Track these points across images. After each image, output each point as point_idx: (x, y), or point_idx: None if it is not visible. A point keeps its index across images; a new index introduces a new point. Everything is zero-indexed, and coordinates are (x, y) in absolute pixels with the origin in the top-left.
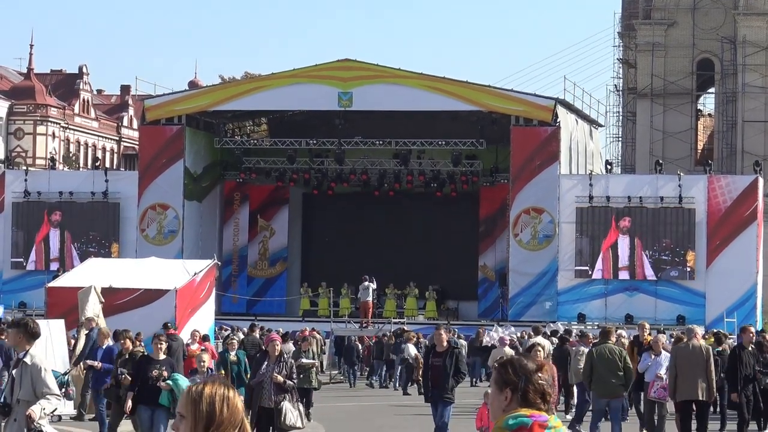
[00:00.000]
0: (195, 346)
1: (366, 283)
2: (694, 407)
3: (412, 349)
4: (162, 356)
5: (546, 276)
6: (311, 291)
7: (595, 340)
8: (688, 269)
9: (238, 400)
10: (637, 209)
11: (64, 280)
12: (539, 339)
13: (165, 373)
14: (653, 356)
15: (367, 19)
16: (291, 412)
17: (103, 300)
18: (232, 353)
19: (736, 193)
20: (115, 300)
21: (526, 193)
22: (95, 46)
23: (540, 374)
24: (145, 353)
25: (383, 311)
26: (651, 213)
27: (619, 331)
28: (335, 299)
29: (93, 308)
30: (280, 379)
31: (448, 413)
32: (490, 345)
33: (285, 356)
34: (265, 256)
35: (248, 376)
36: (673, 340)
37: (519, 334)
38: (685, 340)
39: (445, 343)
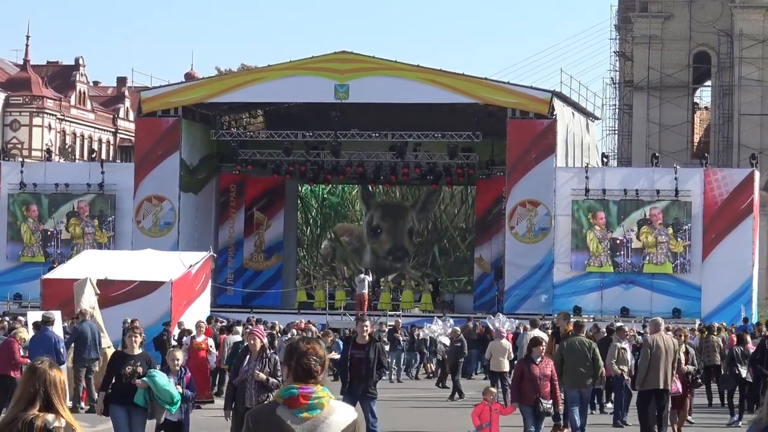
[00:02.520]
0: (201, 338)
1: (362, 275)
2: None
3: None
4: (137, 351)
5: (542, 269)
6: (307, 283)
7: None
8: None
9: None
10: (633, 202)
11: (60, 272)
12: (536, 331)
13: (140, 370)
14: None
15: (364, 12)
16: None
17: (99, 292)
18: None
19: (732, 186)
20: (111, 292)
21: (522, 186)
22: (92, 37)
23: (308, 356)
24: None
25: (378, 304)
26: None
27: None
28: (331, 291)
29: (89, 300)
30: (263, 376)
31: (374, 409)
32: (434, 337)
33: (268, 352)
34: (261, 249)
35: None
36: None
37: (515, 325)
38: (649, 333)
39: (367, 336)
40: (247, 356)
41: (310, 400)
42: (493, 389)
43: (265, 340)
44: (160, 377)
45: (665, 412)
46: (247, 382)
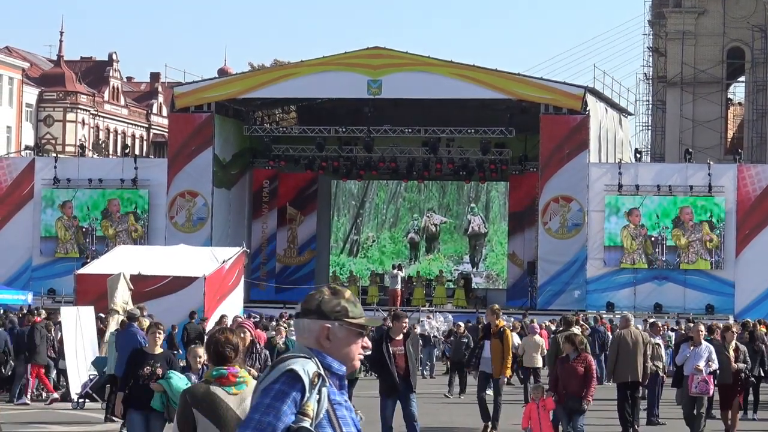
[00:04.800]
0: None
1: (395, 271)
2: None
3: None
4: (158, 350)
5: (575, 265)
6: (340, 279)
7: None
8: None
9: None
10: (667, 198)
11: (94, 267)
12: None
13: (159, 371)
14: (692, 347)
15: (397, 7)
16: None
17: (132, 287)
18: (281, 340)
19: (766, 182)
20: (144, 287)
21: (555, 182)
22: (125, 33)
23: (222, 345)
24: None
25: (412, 299)
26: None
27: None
28: (363, 287)
29: (122, 295)
30: (254, 373)
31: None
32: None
33: (257, 346)
34: (294, 244)
35: None
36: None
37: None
38: (620, 328)
39: (402, 332)
40: None
41: (238, 378)
42: (542, 385)
43: (258, 334)
44: (177, 379)
45: (638, 403)
46: None
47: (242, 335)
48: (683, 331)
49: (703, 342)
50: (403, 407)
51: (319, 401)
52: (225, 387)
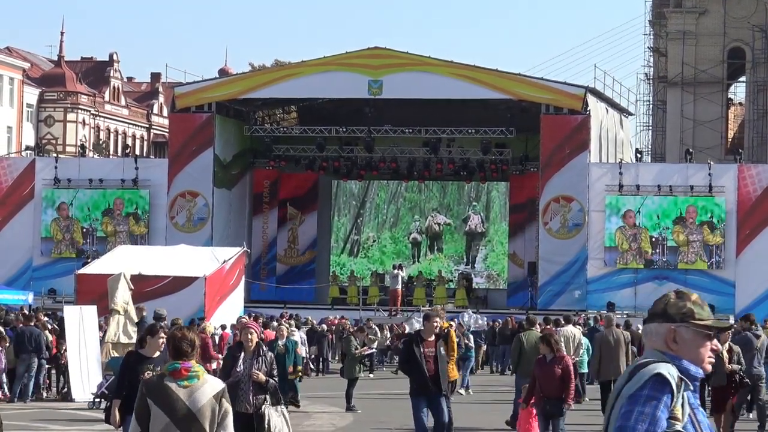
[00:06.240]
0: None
1: (395, 271)
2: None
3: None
4: (157, 353)
5: (575, 265)
6: (340, 279)
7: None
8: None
9: None
10: (668, 198)
11: (94, 267)
12: (569, 327)
13: None
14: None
15: (397, 7)
16: (275, 417)
17: (133, 287)
18: (281, 342)
19: (767, 182)
20: (145, 287)
21: (555, 182)
22: (125, 33)
23: (180, 341)
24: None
25: (412, 299)
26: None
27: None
28: (364, 287)
29: (123, 295)
30: (262, 377)
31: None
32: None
33: (263, 349)
34: (294, 244)
35: (296, 367)
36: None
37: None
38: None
39: (434, 332)
40: (241, 354)
41: (190, 372)
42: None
43: (267, 333)
44: None
45: None
46: (241, 383)
47: (249, 336)
48: None
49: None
50: (432, 413)
51: (682, 404)
52: (177, 380)
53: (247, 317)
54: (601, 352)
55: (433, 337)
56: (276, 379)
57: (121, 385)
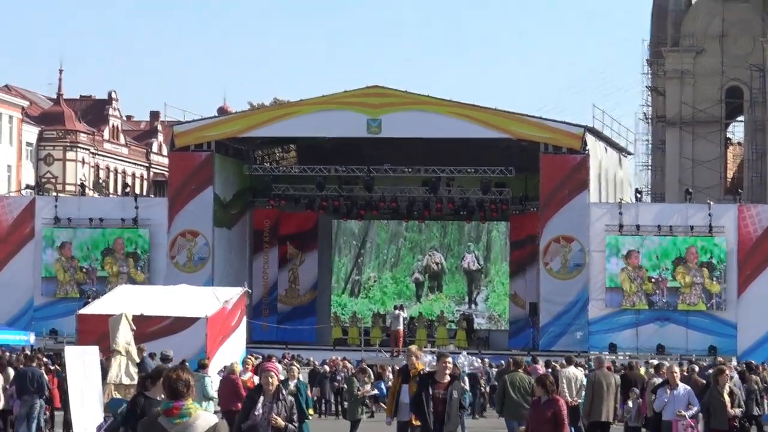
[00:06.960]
0: (247, 376)
1: (397, 311)
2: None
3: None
4: (162, 396)
5: (577, 305)
6: (341, 319)
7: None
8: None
9: None
10: (668, 238)
11: (95, 307)
12: (571, 369)
13: None
14: (669, 391)
15: (396, 46)
16: None
17: (135, 327)
18: (292, 383)
19: (767, 222)
20: (147, 328)
21: (555, 222)
22: (125, 72)
23: (175, 381)
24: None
25: (414, 340)
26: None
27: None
28: (366, 327)
29: (124, 336)
30: (281, 422)
31: None
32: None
33: (283, 393)
34: (295, 284)
35: (309, 410)
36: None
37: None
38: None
39: (448, 374)
40: (260, 397)
41: (182, 410)
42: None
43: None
44: None
45: None
46: (259, 427)
47: (269, 379)
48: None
49: (680, 384)
50: None
51: None
52: (170, 418)
53: (252, 357)
54: (593, 392)
55: (447, 379)
56: (296, 424)
57: (128, 426)
